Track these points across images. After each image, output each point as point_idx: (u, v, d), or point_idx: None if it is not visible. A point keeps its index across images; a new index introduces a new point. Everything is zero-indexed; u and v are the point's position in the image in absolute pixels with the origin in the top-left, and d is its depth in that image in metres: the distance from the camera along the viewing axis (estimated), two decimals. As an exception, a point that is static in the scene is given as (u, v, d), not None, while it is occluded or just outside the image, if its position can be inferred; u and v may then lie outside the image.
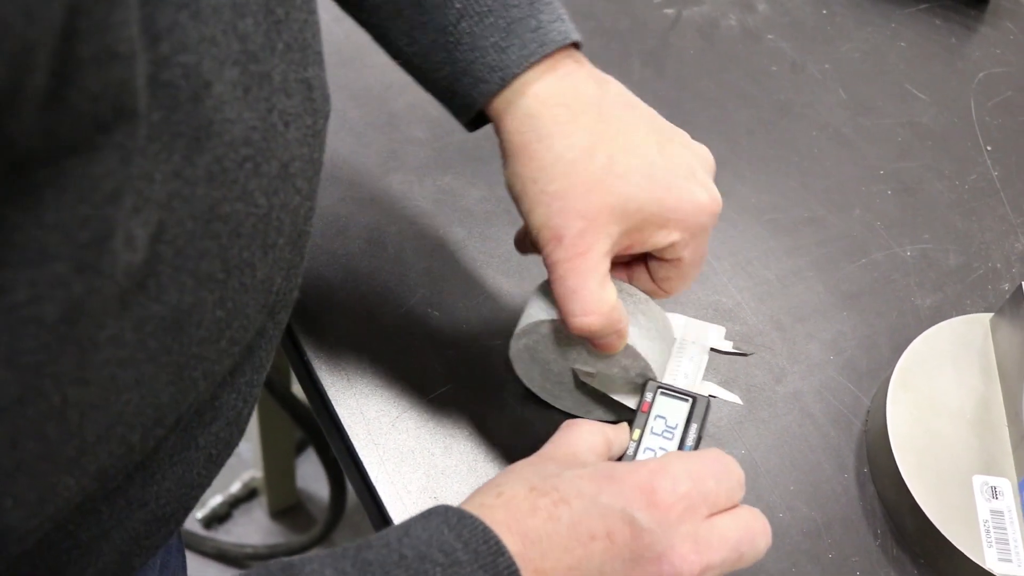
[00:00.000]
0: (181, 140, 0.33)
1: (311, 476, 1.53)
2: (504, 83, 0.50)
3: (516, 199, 0.51)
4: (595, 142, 0.49)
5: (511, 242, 0.64)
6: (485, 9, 0.49)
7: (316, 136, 0.42)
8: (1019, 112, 0.80)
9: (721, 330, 0.61)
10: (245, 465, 1.54)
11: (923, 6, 0.86)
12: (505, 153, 0.52)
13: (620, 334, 0.51)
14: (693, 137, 0.53)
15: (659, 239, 0.51)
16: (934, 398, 0.62)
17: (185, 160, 0.34)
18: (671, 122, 0.53)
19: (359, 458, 0.59)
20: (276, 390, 1.24)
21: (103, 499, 0.41)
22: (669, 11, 0.82)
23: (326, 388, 0.61)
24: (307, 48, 0.40)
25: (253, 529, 1.52)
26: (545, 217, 0.50)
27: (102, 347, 0.34)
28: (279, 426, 1.34)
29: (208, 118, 0.34)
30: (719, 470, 0.45)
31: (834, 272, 0.70)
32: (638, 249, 0.52)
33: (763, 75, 0.79)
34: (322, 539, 1.45)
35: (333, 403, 0.60)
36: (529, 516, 0.42)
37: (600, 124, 0.50)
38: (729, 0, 0.83)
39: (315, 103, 0.41)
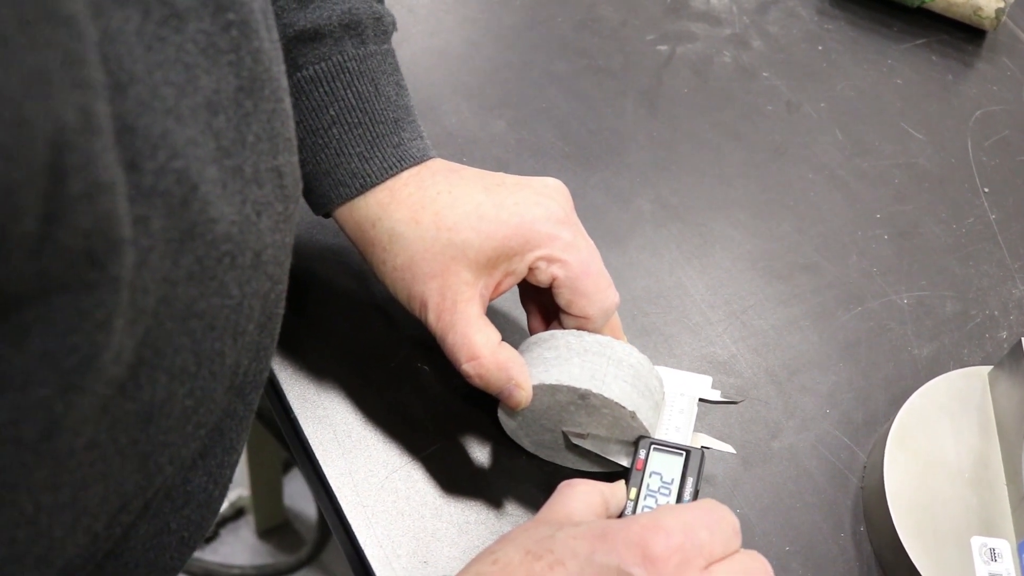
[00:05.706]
0: (172, 245, 0.33)
1: (299, 495, 1.52)
2: (363, 190, 0.55)
3: (384, 285, 0.56)
4: (417, 209, 0.54)
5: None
6: (355, 121, 0.54)
7: (287, 221, 0.42)
8: (1016, 151, 0.79)
9: (708, 379, 0.60)
10: (232, 484, 1.52)
11: (919, 41, 0.85)
12: (358, 250, 0.57)
13: (514, 382, 0.53)
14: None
15: (517, 267, 0.54)
16: (932, 455, 0.61)
17: (173, 264, 0.33)
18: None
19: (347, 521, 0.57)
20: (261, 411, 1.23)
21: None
22: (663, 48, 0.80)
23: (313, 447, 0.60)
24: (276, 137, 0.40)
25: (240, 548, 1.51)
26: (406, 291, 0.54)
27: (77, 454, 0.33)
28: (266, 445, 1.32)
29: (193, 220, 0.34)
30: (712, 520, 0.45)
31: (830, 321, 0.69)
32: (510, 283, 0.55)
33: (758, 115, 0.78)
34: (311, 559, 1.44)
35: (320, 463, 0.59)
36: None
37: (419, 192, 0.54)
38: (723, 36, 0.82)
39: (286, 189, 0.41)
